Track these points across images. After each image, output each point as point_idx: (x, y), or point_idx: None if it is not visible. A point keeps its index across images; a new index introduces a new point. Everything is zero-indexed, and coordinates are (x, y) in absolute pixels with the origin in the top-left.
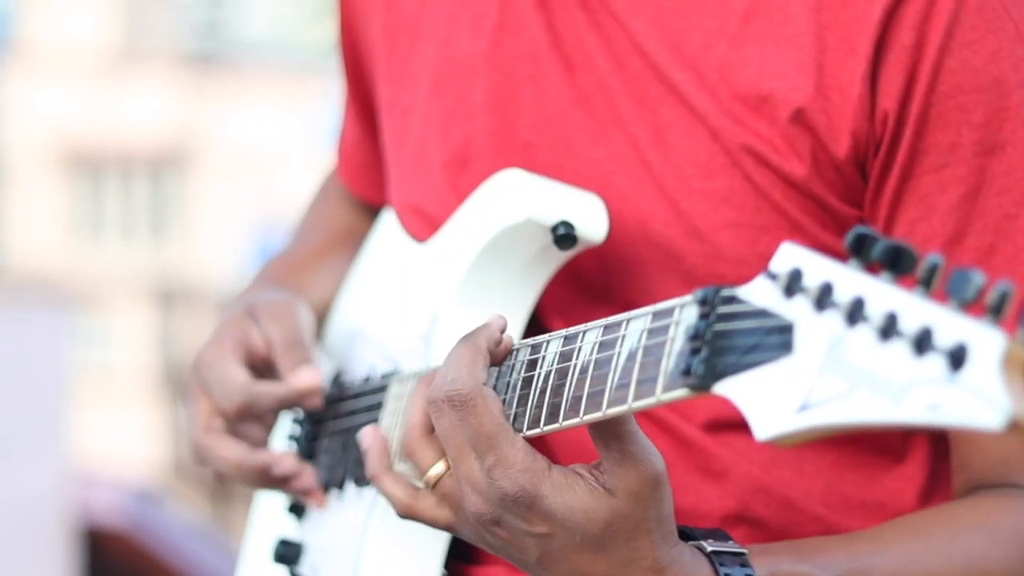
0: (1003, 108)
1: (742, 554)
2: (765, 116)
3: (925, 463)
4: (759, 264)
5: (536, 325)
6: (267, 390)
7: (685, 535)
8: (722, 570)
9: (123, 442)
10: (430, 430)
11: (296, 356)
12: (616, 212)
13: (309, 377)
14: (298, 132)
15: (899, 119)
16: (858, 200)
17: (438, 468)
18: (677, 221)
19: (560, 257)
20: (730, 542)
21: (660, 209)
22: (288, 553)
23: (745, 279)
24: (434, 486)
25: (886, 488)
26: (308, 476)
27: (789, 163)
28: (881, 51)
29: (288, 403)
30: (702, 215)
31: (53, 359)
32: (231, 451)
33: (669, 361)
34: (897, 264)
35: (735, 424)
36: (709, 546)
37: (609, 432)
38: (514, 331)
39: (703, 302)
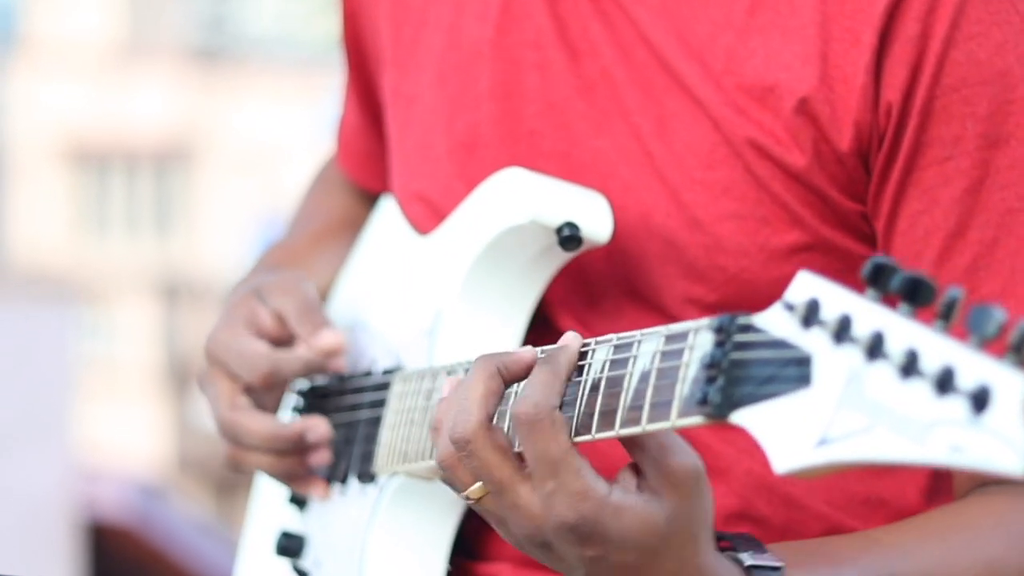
0: (1008, 101)
1: (779, 568)
2: (769, 107)
3: None
4: (759, 256)
5: (541, 317)
6: (291, 356)
7: (717, 537)
8: None
9: (127, 437)
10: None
11: (313, 320)
12: (618, 203)
13: (331, 337)
14: (303, 127)
15: (903, 111)
16: (859, 193)
17: (477, 489)
18: (678, 212)
19: (564, 257)
20: (767, 554)
21: (661, 200)
22: (291, 546)
23: (746, 271)
24: (476, 500)
25: (888, 486)
26: (326, 453)
27: (790, 154)
28: (886, 42)
29: (312, 367)
30: (703, 206)
31: (58, 353)
32: (262, 424)
33: (684, 387)
34: (915, 296)
35: None
36: (748, 559)
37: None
38: (517, 327)
39: (719, 330)
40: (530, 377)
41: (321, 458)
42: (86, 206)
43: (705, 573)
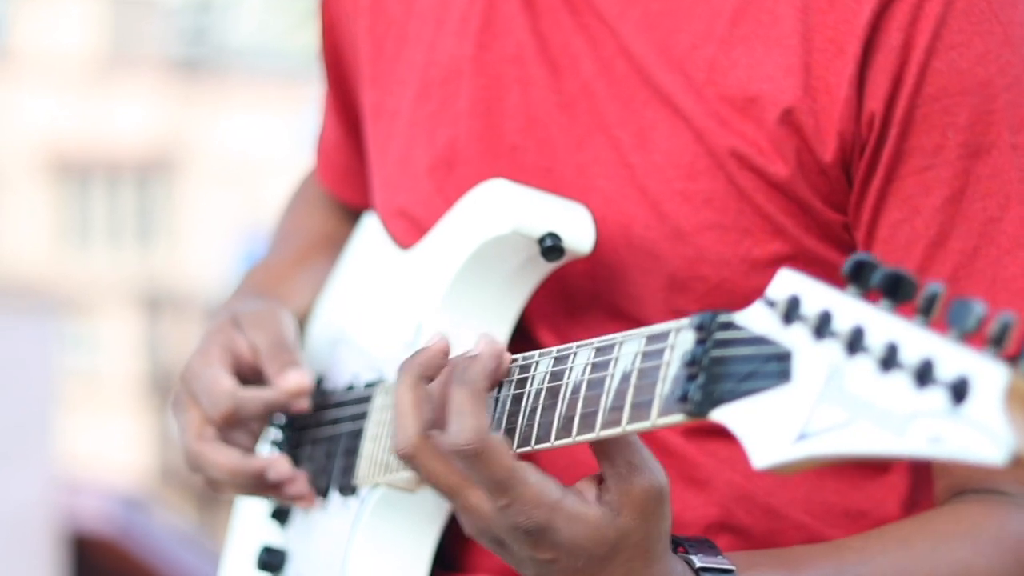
0: (989, 111)
1: (730, 571)
2: (752, 118)
3: (908, 472)
4: (741, 267)
5: (520, 330)
6: (253, 395)
7: (673, 542)
8: None
9: (110, 448)
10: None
11: (282, 360)
12: (599, 215)
13: (296, 378)
14: (285, 138)
15: (885, 120)
16: (842, 204)
17: None
18: (659, 223)
19: (546, 268)
20: (719, 557)
21: (642, 211)
22: (272, 561)
23: (727, 281)
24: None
25: (869, 496)
26: (301, 481)
27: (773, 165)
28: (869, 53)
29: (275, 407)
30: (684, 217)
31: (40, 365)
32: (225, 457)
33: (664, 385)
34: (896, 292)
35: (718, 432)
36: (699, 562)
37: (611, 445)
38: (499, 340)
39: (700, 327)
40: (452, 402)
41: (294, 488)
42: (68, 218)
43: None
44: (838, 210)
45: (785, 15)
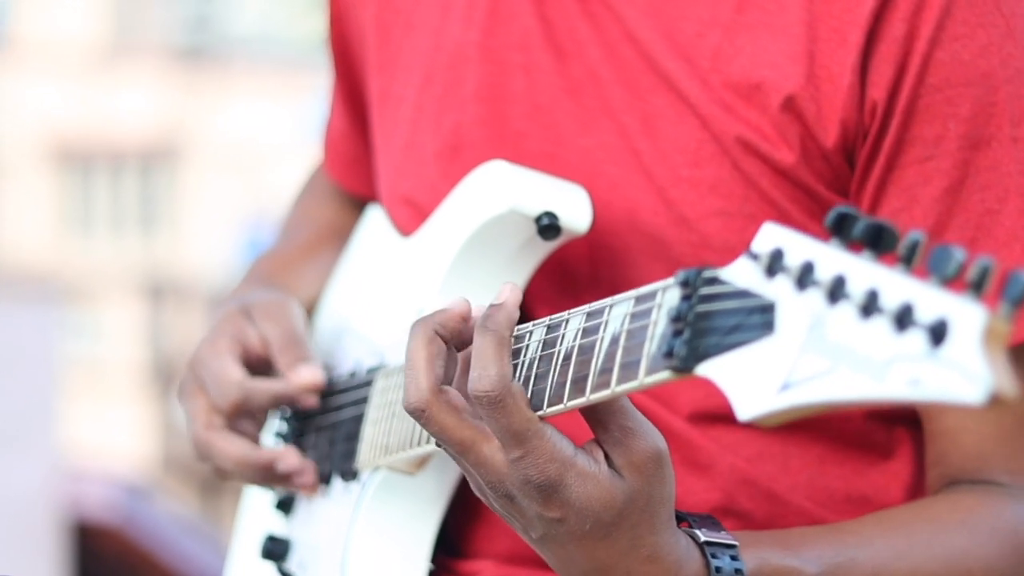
0: (990, 103)
1: (733, 546)
2: (756, 104)
3: (911, 459)
4: None
5: (523, 316)
6: (262, 387)
7: (678, 518)
8: (713, 562)
9: (113, 437)
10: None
11: (294, 354)
12: (605, 201)
13: (309, 374)
14: (288, 126)
15: (887, 109)
16: (845, 189)
17: None
18: (665, 209)
19: (545, 248)
20: (723, 532)
21: (648, 197)
22: (276, 549)
23: None
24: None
25: (872, 483)
26: (309, 471)
27: (778, 151)
28: (872, 42)
29: (283, 400)
30: (690, 203)
31: (43, 354)
32: (234, 447)
33: (652, 344)
34: (878, 242)
35: (721, 416)
36: (703, 536)
37: (603, 411)
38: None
39: (685, 284)
40: (475, 349)
41: (301, 480)
42: (71, 206)
43: (660, 549)
44: (842, 195)
45: (790, 3)
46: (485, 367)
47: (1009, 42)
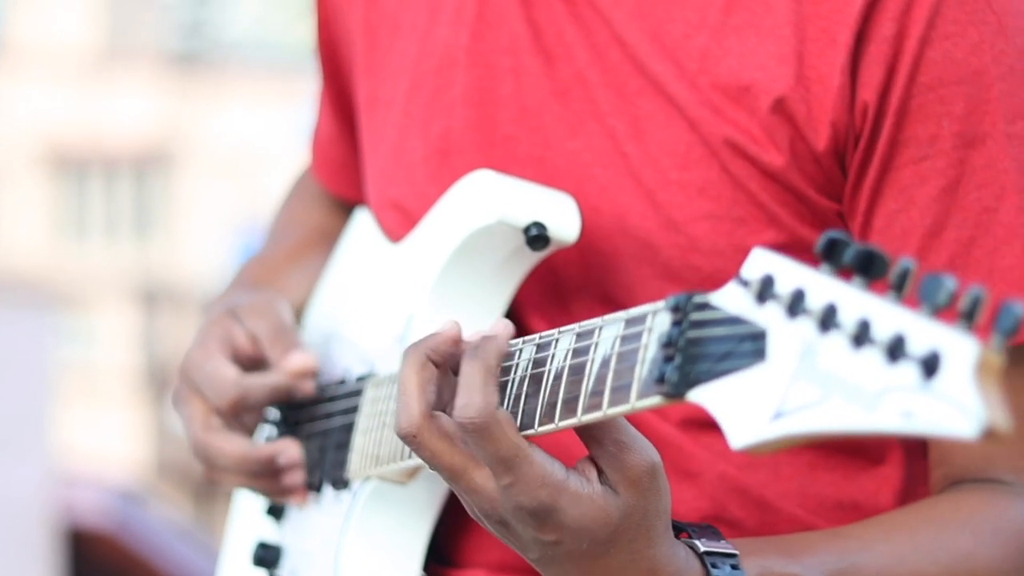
0: (984, 101)
1: (734, 555)
2: (745, 106)
3: (901, 464)
4: (735, 256)
5: (512, 319)
6: (258, 382)
7: (676, 528)
8: (714, 572)
9: (106, 442)
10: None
11: (284, 343)
12: (593, 205)
13: (300, 359)
14: (282, 132)
15: (879, 111)
16: (836, 193)
17: None
18: (654, 213)
19: (533, 258)
20: (723, 542)
21: (637, 201)
22: (267, 556)
23: (721, 271)
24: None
25: (862, 489)
26: (300, 471)
27: (767, 154)
28: (862, 42)
29: (280, 391)
30: (678, 206)
31: (37, 359)
32: (234, 445)
33: (643, 368)
34: (869, 269)
35: (711, 424)
36: (702, 546)
37: (596, 427)
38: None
39: (675, 309)
40: (462, 377)
41: (295, 478)
42: (66, 211)
43: (658, 562)
44: (832, 199)
45: (778, 4)
46: (471, 395)
47: (1001, 39)
